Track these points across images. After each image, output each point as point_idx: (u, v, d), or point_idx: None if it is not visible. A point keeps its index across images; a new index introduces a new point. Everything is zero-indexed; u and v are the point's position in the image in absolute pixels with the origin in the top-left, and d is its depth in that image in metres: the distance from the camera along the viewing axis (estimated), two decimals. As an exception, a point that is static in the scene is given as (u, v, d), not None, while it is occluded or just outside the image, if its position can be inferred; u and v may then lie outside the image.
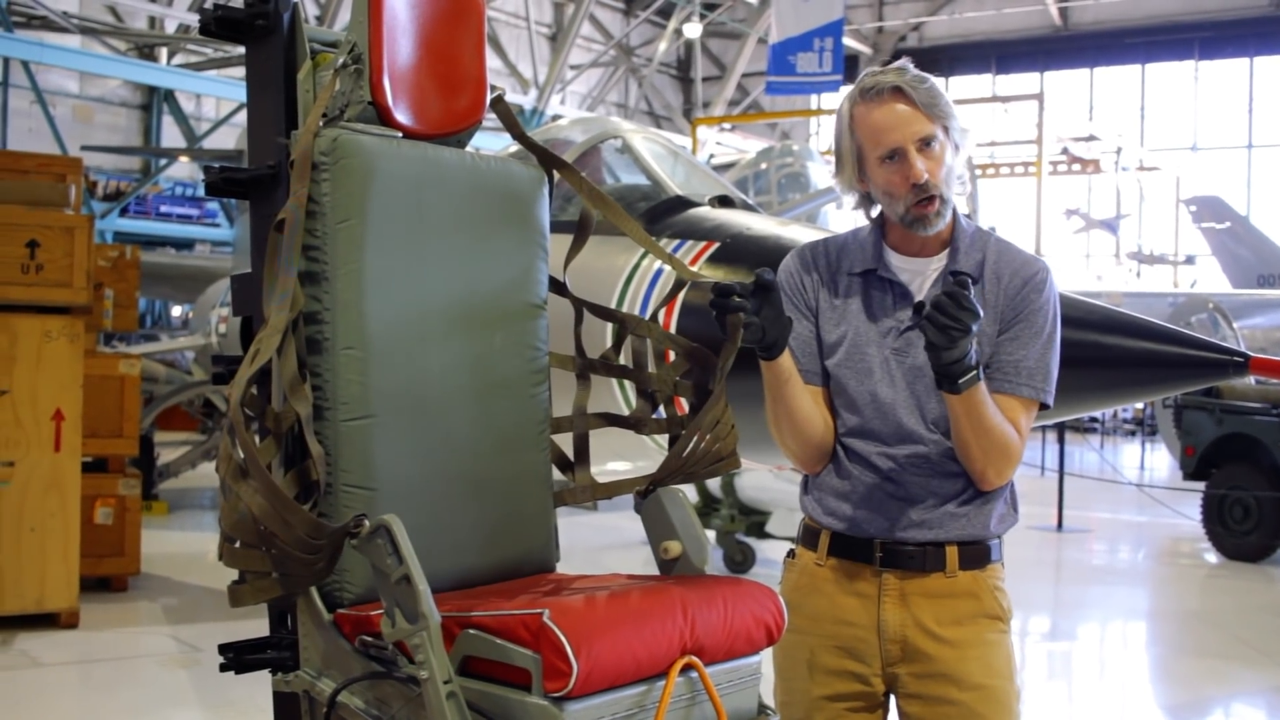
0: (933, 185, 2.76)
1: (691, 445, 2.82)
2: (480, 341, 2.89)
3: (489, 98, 3.04)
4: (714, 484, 10.78)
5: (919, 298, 2.84)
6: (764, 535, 10.43)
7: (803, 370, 2.90)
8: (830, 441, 2.93)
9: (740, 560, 10.43)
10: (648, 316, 3.24)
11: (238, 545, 2.48)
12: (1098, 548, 13.17)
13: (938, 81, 2.85)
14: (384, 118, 2.82)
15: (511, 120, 3.16)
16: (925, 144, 2.76)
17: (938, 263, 2.88)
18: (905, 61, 2.85)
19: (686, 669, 2.45)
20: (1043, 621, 9.45)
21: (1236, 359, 3.87)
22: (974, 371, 2.60)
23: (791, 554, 3.04)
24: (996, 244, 2.90)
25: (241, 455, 2.40)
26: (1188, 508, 13.04)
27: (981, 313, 2.53)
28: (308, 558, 2.45)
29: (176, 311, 27.09)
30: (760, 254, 5.15)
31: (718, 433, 2.82)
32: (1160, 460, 22.15)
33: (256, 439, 2.54)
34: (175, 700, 6.52)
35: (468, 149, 3.07)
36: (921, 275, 2.88)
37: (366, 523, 2.37)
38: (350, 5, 2.87)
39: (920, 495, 2.83)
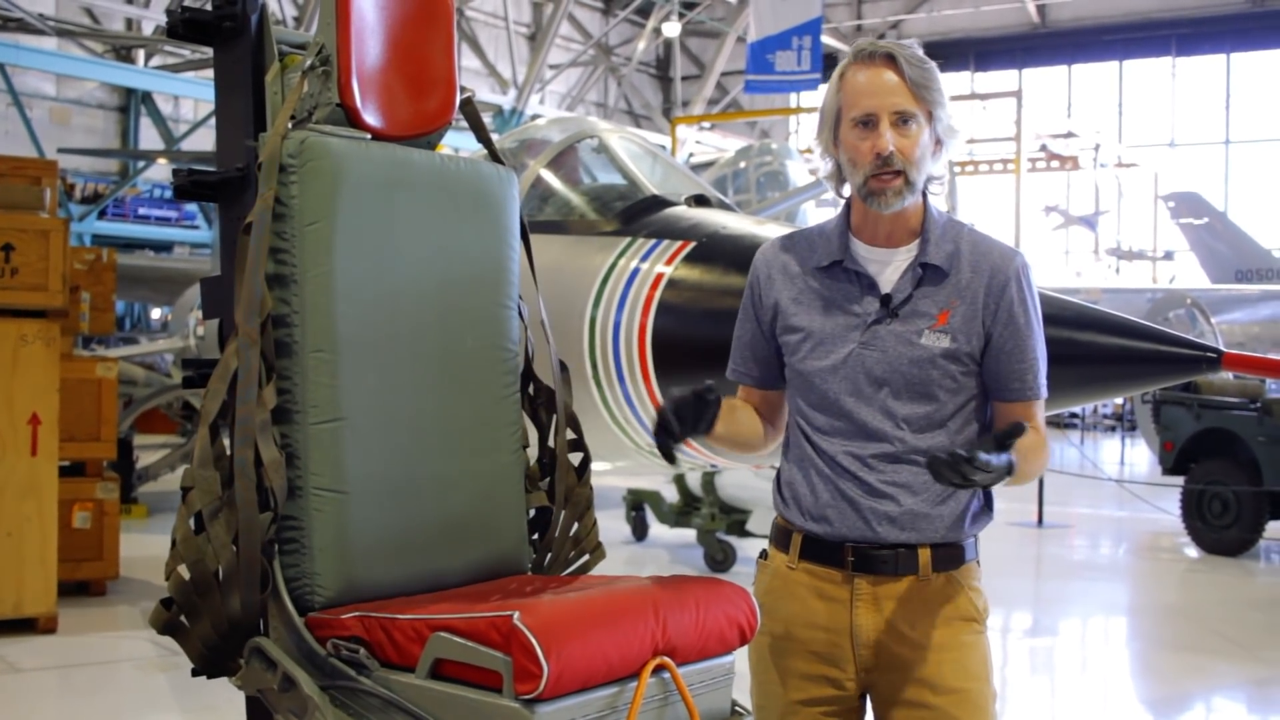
0: (898, 160, 2.69)
1: (550, 555, 3.19)
2: (451, 343, 2.89)
3: (459, 99, 3.03)
4: (694, 482, 10.79)
5: (886, 290, 2.78)
6: (744, 534, 10.42)
7: (733, 370, 2.99)
8: (762, 435, 3.01)
9: (721, 559, 10.43)
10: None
11: (172, 609, 2.68)
12: (1078, 543, 13.20)
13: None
14: (353, 120, 2.81)
15: (479, 124, 3.15)
16: (902, 120, 2.69)
17: (906, 253, 2.80)
18: (914, 41, 2.80)
19: (659, 669, 2.45)
20: (1023, 617, 9.47)
21: (1209, 355, 3.88)
22: (1008, 474, 2.55)
23: (764, 555, 2.99)
24: (970, 235, 2.84)
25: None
26: (1167, 503, 13.08)
27: (996, 469, 2.49)
28: (218, 641, 2.67)
29: (156, 314, 27.04)
30: (736, 252, 5.15)
31: (577, 534, 3.22)
32: (1140, 455, 22.20)
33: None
34: (154, 704, 6.49)
35: (447, 148, 3.07)
36: (890, 265, 2.81)
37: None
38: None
39: (890, 493, 2.76)
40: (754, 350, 2.96)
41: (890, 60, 2.71)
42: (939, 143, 2.77)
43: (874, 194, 2.73)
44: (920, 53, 2.75)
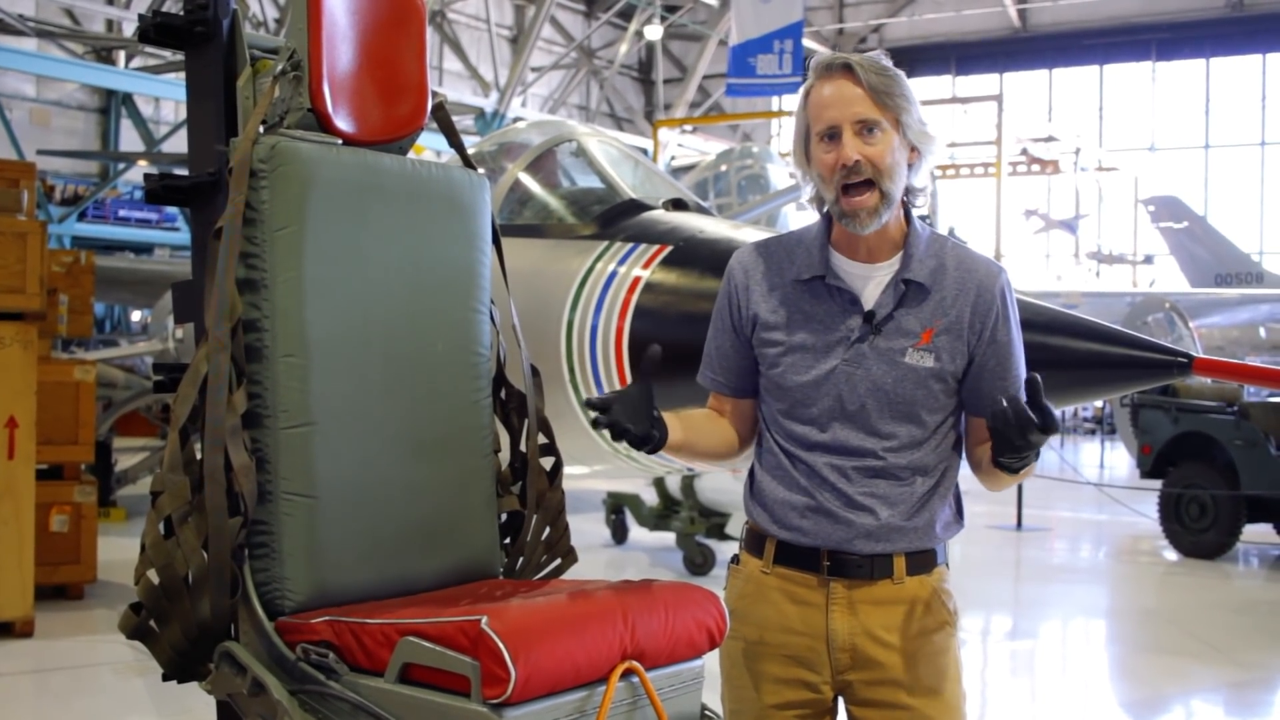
0: (865, 168, 2.66)
1: (522, 559, 3.21)
2: (422, 348, 2.89)
3: (430, 104, 3.03)
4: (674, 486, 10.79)
5: (869, 306, 2.76)
6: (724, 537, 10.42)
7: (709, 378, 2.94)
8: (736, 445, 2.97)
9: (700, 562, 10.43)
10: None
11: (141, 614, 2.74)
12: (1057, 546, 13.24)
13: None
14: (324, 125, 2.82)
15: (451, 130, 3.15)
16: (867, 129, 2.66)
17: (888, 268, 2.78)
18: (879, 52, 2.77)
19: (627, 674, 2.46)
20: (1002, 620, 9.48)
21: (1180, 359, 3.87)
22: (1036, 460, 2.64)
23: (735, 559, 2.99)
24: (954, 250, 2.81)
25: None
26: (1145, 506, 13.12)
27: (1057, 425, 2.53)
28: (188, 646, 2.71)
29: (136, 316, 26.94)
30: (713, 256, 5.15)
31: (549, 539, 3.24)
32: (1119, 459, 22.24)
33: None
34: (131, 708, 6.47)
35: (427, 150, 3.08)
36: (872, 281, 2.78)
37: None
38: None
39: (868, 505, 2.76)
40: (730, 359, 2.91)
41: (848, 70, 2.69)
42: (914, 150, 2.74)
43: (848, 216, 2.70)
44: (884, 61, 2.73)
